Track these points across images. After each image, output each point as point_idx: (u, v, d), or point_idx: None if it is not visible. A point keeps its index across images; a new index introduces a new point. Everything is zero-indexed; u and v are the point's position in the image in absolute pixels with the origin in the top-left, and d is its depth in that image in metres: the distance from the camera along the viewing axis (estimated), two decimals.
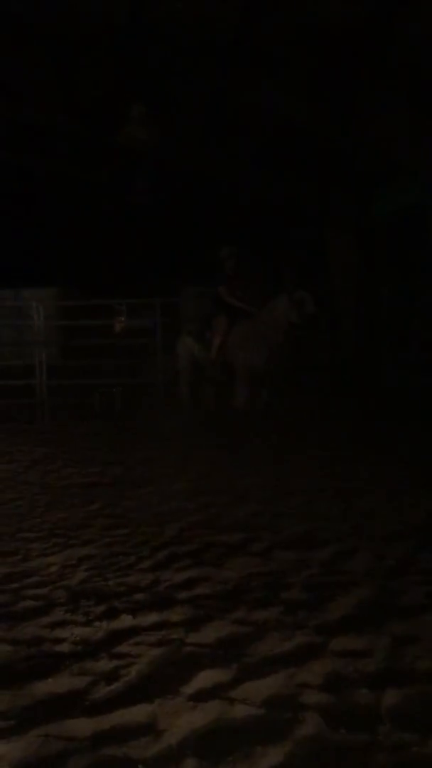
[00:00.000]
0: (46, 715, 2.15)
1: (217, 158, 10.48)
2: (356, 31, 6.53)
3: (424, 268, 9.00)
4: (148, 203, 11.51)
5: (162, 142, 8.80)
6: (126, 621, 2.82)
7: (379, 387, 9.44)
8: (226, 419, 7.51)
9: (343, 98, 7.59)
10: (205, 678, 2.33)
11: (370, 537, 3.87)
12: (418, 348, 9.37)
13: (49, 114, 9.51)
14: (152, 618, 2.84)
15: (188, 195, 12.27)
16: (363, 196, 10.19)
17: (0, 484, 5.65)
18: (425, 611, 2.83)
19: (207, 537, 3.96)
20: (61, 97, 8.85)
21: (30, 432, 8.55)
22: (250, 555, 3.63)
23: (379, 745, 1.96)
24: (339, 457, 6.24)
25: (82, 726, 2.08)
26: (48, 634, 2.72)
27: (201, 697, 2.22)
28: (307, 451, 6.53)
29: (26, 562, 3.61)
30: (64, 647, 2.60)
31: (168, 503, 4.81)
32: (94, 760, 1.92)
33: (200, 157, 10.54)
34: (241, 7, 6.47)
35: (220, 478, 5.52)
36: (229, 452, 6.56)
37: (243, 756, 1.92)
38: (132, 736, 2.02)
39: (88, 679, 2.36)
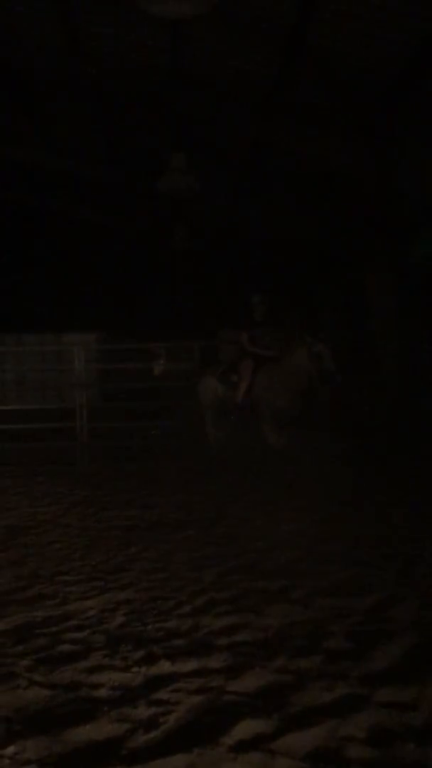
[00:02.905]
0: (83, 762, 2.11)
1: (256, 204, 10.65)
2: (389, 81, 6.65)
3: None
4: (188, 249, 11.72)
5: (202, 192, 8.98)
6: (165, 667, 2.78)
7: (422, 432, 9.28)
8: (258, 462, 7.48)
9: (383, 143, 7.68)
10: (245, 728, 2.27)
11: (415, 584, 3.77)
12: None
13: (92, 164, 9.82)
14: (191, 665, 2.79)
15: (228, 240, 12.47)
16: (402, 239, 10.23)
17: (40, 526, 5.67)
18: None
19: (246, 583, 3.90)
20: (105, 149, 9.14)
21: (70, 475, 8.60)
22: (290, 602, 3.56)
23: None
24: (380, 503, 6.12)
25: None
26: (86, 679, 2.70)
27: (241, 747, 2.16)
28: (351, 496, 6.43)
29: (65, 606, 3.60)
30: (102, 693, 2.57)
31: (206, 548, 4.76)
32: None
33: (238, 205, 10.73)
34: (279, 57, 6.63)
35: (259, 523, 5.46)
36: (267, 496, 6.49)
37: None
38: None
39: (126, 726, 2.32)
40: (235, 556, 4.49)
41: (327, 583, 3.84)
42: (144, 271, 13.39)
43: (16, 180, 10.37)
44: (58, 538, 5.23)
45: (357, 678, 2.62)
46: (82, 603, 3.63)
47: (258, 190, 10.17)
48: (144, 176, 9.10)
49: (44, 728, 2.31)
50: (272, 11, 5.96)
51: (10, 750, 2.19)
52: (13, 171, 10.04)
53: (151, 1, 5.27)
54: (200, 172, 8.74)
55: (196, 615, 3.39)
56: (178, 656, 2.87)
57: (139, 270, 13.39)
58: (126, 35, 6.86)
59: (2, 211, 11.33)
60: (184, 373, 10.27)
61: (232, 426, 7.98)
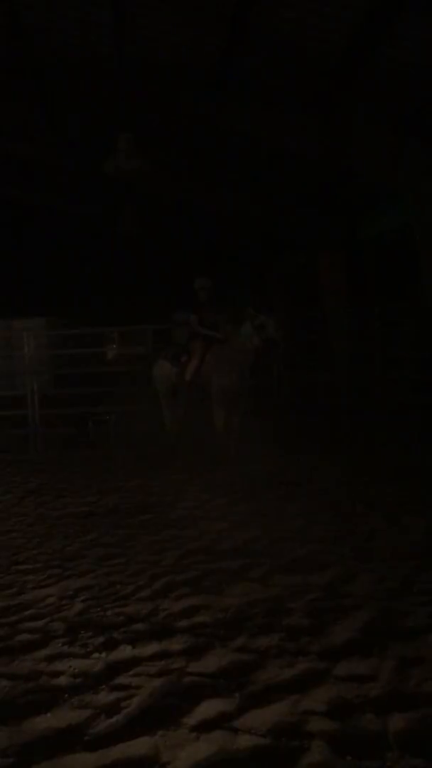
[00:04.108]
0: (46, 751, 2.10)
1: (204, 186, 10.58)
2: (335, 58, 6.64)
3: (412, 289, 9.07)
4: (136, 232, 11.57)
5: (149, 172, 8.86)
6: (125, 652, 2.78)
7: (370, 406, 9.44)
8: (210, 443, 7.53)
9: (333, 121, 7.69)
10: (207, 708, 2.29)
11: (370, 559, 3.84)
12: (409, 367, 9.41)
13: (35, 146, 9.59)
14: (152, 648, 2.79)
15: (176, 223, 12.36)
16: (353, 218, 10.30)
17: None
18: (429, 632, 2.80)
19: (205, 564, 3.91)
20: (46, 129, 8.93)
21: (23, 463, 8.49)
22: (249, 581, 3.59)
23: None
24: (335, 479, 6.21)
25: (83, 761, 2.03)
26: (46, 667, 2.67)
27: (204, 727, 2.17)
28: (304, 475, 6.51)
29: (22, 595, 3.56)
30: (63, 680, 2.56)
31: (164, 531, 4.76)
32: None
33: (187, 186, 10.64)
34: (223, 34, 6.56)
35: (216, 504, 5.48)
36: (224, 477, 6.52)
37: None
38: None
39: (88, 712, 2.31)
40: (194, 539, 4.50)
41: (285, 561, 3.88)
42: (95, 255, 13.19)
43: None
44: (14, 527, 5.16)
45: (316, 653, 2.66)
46: (40, 591, 3.60)
47: (207, 171, 10.09)
48: (91, 158, 8.92)
49: (5, 719, 2.29)
50: None
51: None
52: None
53: None
54: (148, 153, 8.63)
55: (156, 598, 3.39)
56: (139, 640, 2.87)
57: (90, 254, 13.18)
58: (66, 12, 6.70)
59: None
60: (137, 357, 10.22)
61: (184, 408, 8.04)
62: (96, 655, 2.76)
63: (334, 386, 10.32)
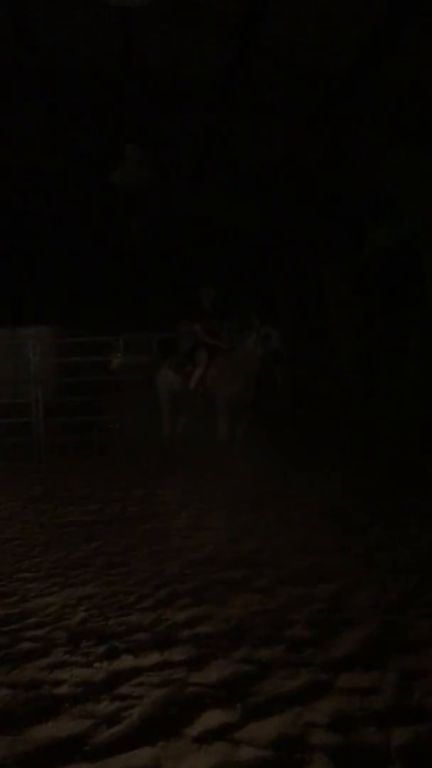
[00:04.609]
0: (46, 761, 2.08)
1: (210, 198, 10.63)
2: (342, 71, 6.68)
3: (416, 301, 9.08)
4: (142, 243, 11.63)
5: (156, 184, 8.92)
6: (127, 661, 2.76)
7: (375, 416, 9.44)
8: (212, 454, 7.53)
9: (336, 133, 7.73)
10: (209, 719, 2.27)
11: (374, 570, 3.82)
12: (413, 377, 9.42)
13: (42, 155, 9.66)
14: (154, 658, 2.78)
15: (183, 234, 12.41)
16: (357, 231, 10.33)
17: None
18: None
19: (208, 574, 3.90)
20: (54, 139, 8.98)
21: (27, 470, 8.50)
22: (252, 592, 3.57)
23: None
24: (339, 490, 6.20)
25: None
26: (47, 676, 2.66)
27: (205, 738, 2.16)
28: (307, 487, 6.49)
29: (24, 603, 3.55)
30: (64, 689, 2.54)
31: (168, 541, 4.75)
32: None
33: (194, 198, 10.69)
34: (232, 48, 6.61)
35: (219, 514, 5.47)
36: (227, 487, 6.51)
37: None
38: None
39: (89, 722, 2.29)
40: (197, 548, 4.50)
41: (288, 572, 3.87)
42: (101, 264, 13.25)
43: None
44: (17, 534, 5.17)
45: (319, 665, 2.64)
46: (42, 600, 3.59)
47: (213, 181, 10.14)
48: (99, 168, 8.98)
49: (5, 728, 2.27)
50: None
51: None
52: None
53: None
54: (155, 164, 8.69)
55: (158, 608, 3.38)
56: (141, 650, 2.86)
57: (96, 263, 13.24)
58: (74, 24, 6.75)
59: None
60: (141, 366, 10.24)
61: (188, 417, 8.06)
62: (98, 664, 2.75)
63: (339, 396, 10.32)
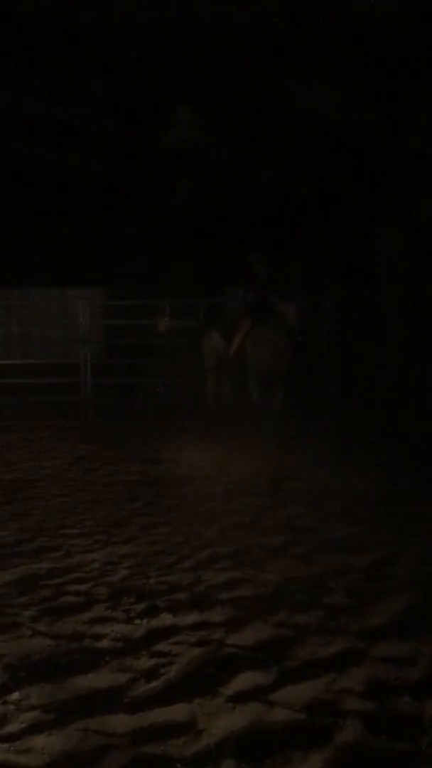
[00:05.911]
0: (85, 709, 2.16)
1: (263, 160, 10.45)
2: (402, 33, 6.44)
3: None
4: (192, 204, 11.54)
5: (207, 144, 8.79)
6: (166, 620, 2.83)
7: (425, 395, 9.27)
8: (254, 420, 7.54)
9: (391, 97, 7.49)
10: (244, 680, 2.32)
11: (414, 541, 3.81)
12: None
13: (96, 114, 9.60)
14: (192, 618, 2.84)
15: (233, 197, 12.26)
16: (411, 195, 10.03)
17: (44, 480, 5.72)
18: None
19: (247, 538, 3.94)
20: (106, 98, 8.92)
21: (74, 429, 8.65)
22: (290, 558, 3.60)
23: (421, 755, 1.92)
24: (383, 463, 6.15)
25: (121, 722, 2.09)
26: (88, 630, 2.74)
27: (240, 698, 2.21)
28: (351, 455, 6.46)
29: (69, 558, 3.65)
30: (105, 643, 2.62)
31: (209, 503, 4.80)
32: (132, 757, 1.92)
33: (245, 159, 10.52)
34: (287, 7, 6.43)
35: (261, 479, 5.50)
36: (268, 453, 6.52)
37: (282, 760, 1.90)
38: (171, 735, 2.02)
39: (128, 676, 2.37)
40: (237, 513, 4.54)
41: (327, 540, 3.88)
42: (150, 227, 13.21)
43: (16, 130, 10.15)
44: (62, 491, 5.28)
45: (355, 633, 2.66)
46: (86, 556, 3.68)
47: (264, 145, 9.96)
48: (150, 129, 8.90)
49: (48, 676, 2.36)
50: None
51: (15, 696, 2.24)
52: (14, 121, 9.82)
53: None
54: (206, 126, 8.56)
55: (198, 569, 3.43)
56: (180, 609, 2.92)
57: (145, 225, 13.21)
58: None
59: (3, 163, 11.11)
60: (188, 330, 10.25)
61: (232, 383, 8.09)
62: (138, 621, 2.82)
63: (388, 366, 10.15)
